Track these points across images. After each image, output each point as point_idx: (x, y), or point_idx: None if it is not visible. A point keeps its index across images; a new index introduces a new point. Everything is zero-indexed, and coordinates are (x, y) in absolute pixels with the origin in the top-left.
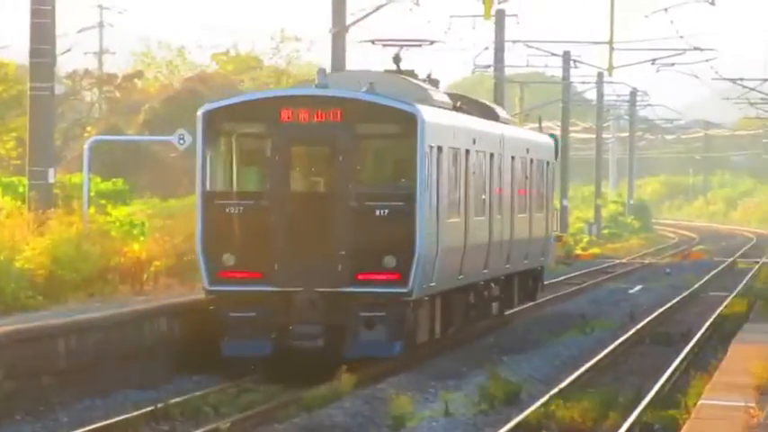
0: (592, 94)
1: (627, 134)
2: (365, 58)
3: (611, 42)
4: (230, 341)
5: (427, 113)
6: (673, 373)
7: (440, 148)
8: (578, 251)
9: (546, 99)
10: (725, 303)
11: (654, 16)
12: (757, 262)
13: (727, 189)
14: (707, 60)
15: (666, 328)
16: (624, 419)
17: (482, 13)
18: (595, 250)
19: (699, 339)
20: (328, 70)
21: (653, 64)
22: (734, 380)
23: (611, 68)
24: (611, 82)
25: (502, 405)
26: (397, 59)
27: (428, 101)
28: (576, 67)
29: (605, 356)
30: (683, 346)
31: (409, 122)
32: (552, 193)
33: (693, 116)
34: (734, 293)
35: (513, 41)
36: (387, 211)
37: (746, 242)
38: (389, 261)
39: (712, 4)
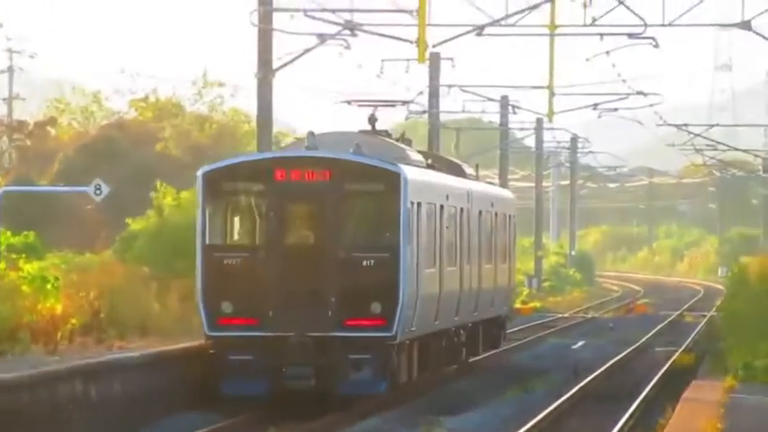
0: (531, 141)
1: (568, 182)
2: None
3: (550, 87)
4: (230, 382)
5: (409, 172)
6: None
7: (419, 204)
8: (518, 305)
9: (483, 146)
10: (672, 359)
11: (595, 60)
12: (705, 315)
13: (672, 239)
14: (651, 105)
15: (611, 385)
16: None
17: (416, 57)
18: (536, 304)
19: (645, 397)
20: (254, 115)
21: (594, 109)
22: None
23: (551, 114)
24: (551, 128)
25: None
26: (372, 119)
27: (406, 160)
28: (514, 113)
29: (547, 416)
30: (628, 404)
31: (393, 181)
32: (515, 244)
33: (637, 163)
34: (681, 349)
35: (449, 86)
36: (373, 261)
37: (693, 294)
38: (375, 307)
39: (656, 46)
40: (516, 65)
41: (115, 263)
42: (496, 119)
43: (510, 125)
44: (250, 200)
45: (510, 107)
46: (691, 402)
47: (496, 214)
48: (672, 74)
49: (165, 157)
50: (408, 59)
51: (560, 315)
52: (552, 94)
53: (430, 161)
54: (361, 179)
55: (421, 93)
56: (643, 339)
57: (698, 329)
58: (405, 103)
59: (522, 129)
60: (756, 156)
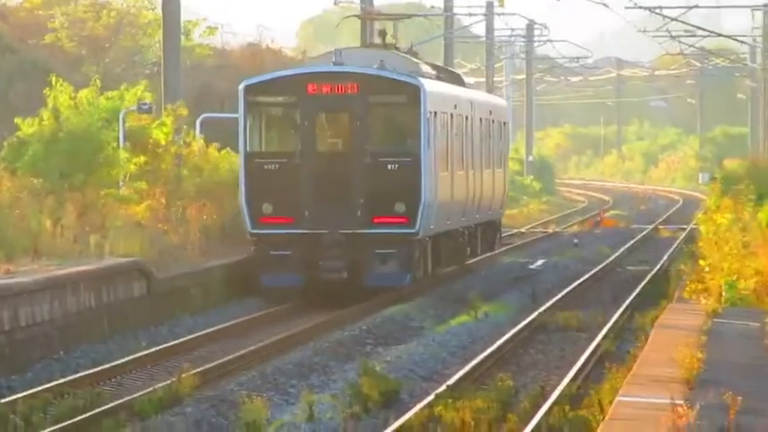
0: (480, 29)
1: (523, 76)
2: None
3: None
4: (269, 275)
5: (428, 85)
6: (584, 366)
7: (435, 113)
8: None
9: (425, 36)
10: (645, 280)
11: None
12: (684, 228)
13: (645, 141)
14: None
15: (575, 310)
16: (526, 423)
17: None
18: None
19: (614, 324)
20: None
21: None
22: (657, 372)
23: None
24: (503, 14)
25: (378, 407)
26: (382, 34)
27: (420, 72)
28: None
29: (502, 346)
30: (595, 332)
31: (414, 93)
32: (508, 151)
33: (603, 53)
34: (656, 269)
35: None
36: (397, 165)
37: (670, 205)
38: (400, 207)
39: None
40: None
41: (1, 174)
42: (440, 3)
43: (456, 10)
44: (285, 111)
45: None
46: (666, 329)
47: (493, 121)
48: None
49: (56, 51)
50: None
51: (517, 230)
52: None
53: (436, 72)
54: (386, 91)
55: None
56: (612, 257)
57: (675, 246)
58: (410, 16)
59: (469, 14)
60: (742, 42)
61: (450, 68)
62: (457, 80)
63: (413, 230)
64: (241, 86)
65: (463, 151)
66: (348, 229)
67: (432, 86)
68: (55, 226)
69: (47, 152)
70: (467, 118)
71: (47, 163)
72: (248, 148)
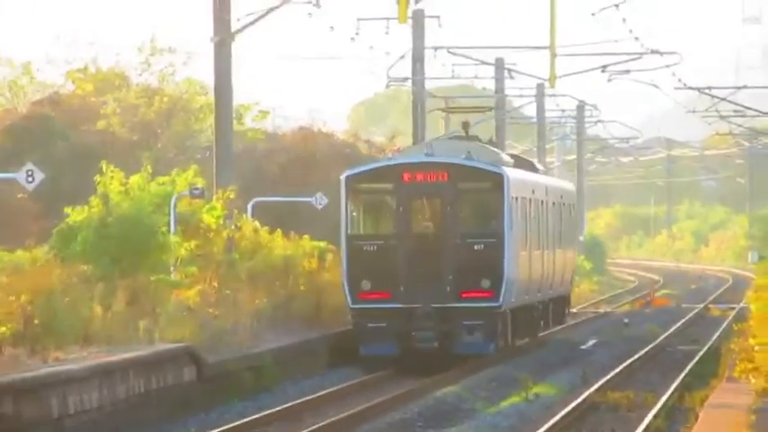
0: (531, 110)
1: (574, 157)
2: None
3: (552, 47)
4: (367, 345)
5: (510, 173)
6: None
7: (516, 198)
8: None
9: (476, 116)
10: (695, 359)
11: (603, 14)
12: (734, 307)
13: (695, 220)
14: (668, 66)
15: (625, 390)
16: None
17: (396, 15)
18: None
19: (664, 404)
20: (211, 86)
21: (603, 72)
22: None
23: (553, 78)
24: (554, 95)
25: None
26: (466, 126)
27: (501, 161)
28: (511, 78)
29: (552, 427)
30: (645, 412)
31: (498, 180)
32: (577, 231)
33: (653, 134)
34: (706, 347)
35: (435, 48)
36: (482, 246)
37: (720, 284)
38: (485, 283)
39: None
40: (513, 22)
41: (51, 261)
42: (491, 85)
43: (507, 92)
44: (383, 197)
45: (506, 71)
46: (716, 408)
47: (564, 204)
48: (692, 29)
49: (108, 137)
50: (388, 18)
51: (568, 310)
52: (554, 56)
53: (513, 161)
54: (473, 179)
55: (403, 57)
56: (662, 337)
57: (725, 325)
58: (491, 109)
59: (520, 96)
60: None
61: (524, 156)
62: (531, 167)
63: (496, 304)
64: (343, 176)
65: (539, 232)
66: (439, 303)
67: (513, 174)
68: (105, 312)
69: (96, 238)
70: (542, 202)
71: (96, 249)
72: (349, 231)
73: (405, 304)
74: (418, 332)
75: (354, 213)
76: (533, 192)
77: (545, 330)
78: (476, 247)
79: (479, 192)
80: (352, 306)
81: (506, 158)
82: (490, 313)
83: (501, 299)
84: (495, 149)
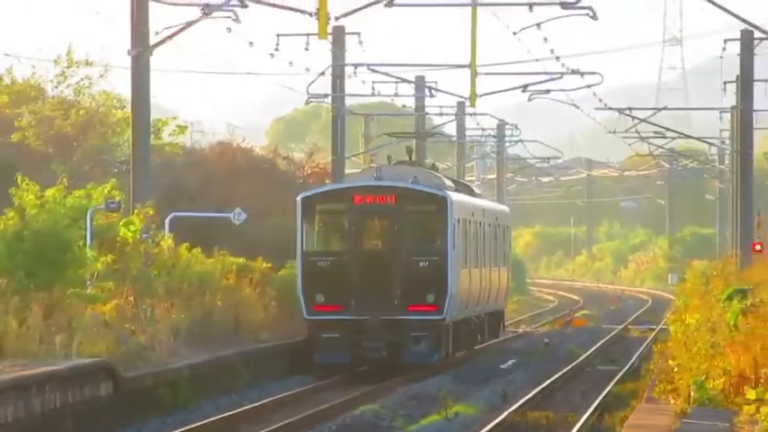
0: (451, 129)
1: (494, 176)
2: None
3: (473, 66)
4: (321, 353)
5: (453, 196)
6: None
7: (458, 220)
8: None
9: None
10: (615, 380)
11: (524, 34)
12: (653, 329)
13: (615, 242)
14: (589, 86)
15: (545, 410)
16: None
17: (316, 31)
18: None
19: (584, 423)
20: (128, 99)
21: (524, 91)
22: None
23: (473, 97)
24: (475, 113)
25: None
26: (409, 151)
27: (443, 185)
28: (431, 96)
29: None
30: None
31: (442, 203)
32: (510, 251)
33: (574, 154)
34: (626, 368)
35: (355, 65)
36: (427, 263)
37: (640, 305)
38: (430, 297)
39: (594, 18)
40: (433, 41)
41: None
42: (411, 103)
43: (427, 110)
44: (336, 217)
45: (426, 89)
46: (636, 429)
47: (499, 226)
48: (613, 50)
49: (23, 149)
50: (308, 34)
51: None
52: (475, 74)
53: (454, 185)
54: (419, 202)
55: (323, 73)
56: (582, 357)
57: (644, 345)
58: (433, 134)
59: (440, 114)
60: (711, 144)
61: (463, 180)
62: (470, 191)
63: (441, 317)
64: (299, 198)
65: (477, 251)
66: (387, 316)
67: (455, 197)
68: (20, 326)
69: (10, 251)
70: (480, 224)
71: (11, 262)
72: (304, 248)
73: (356, 316)
74: (368, 342)
75: (309, 232)
76: (473, 214)
77: (482, 343)
78: (421, 264)
79: (425, 213)
80: (307, 317)
81: (448, 183)
82: (435, 325)
83: (445, 312)
84: (438, 174)
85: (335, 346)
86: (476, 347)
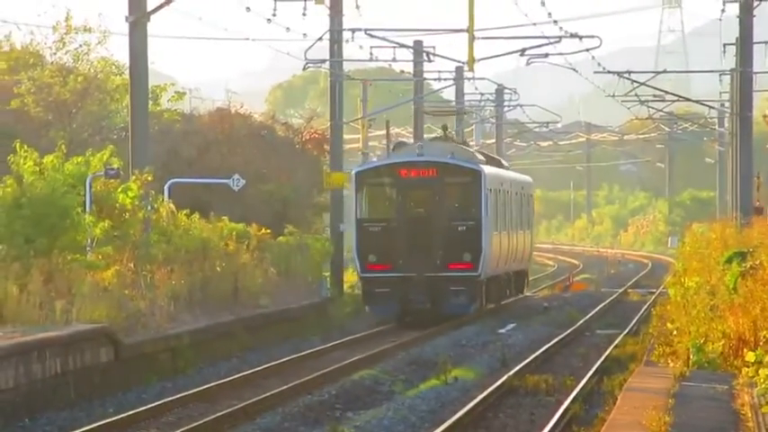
0: (450, 93)
1: (493, 141)
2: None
3: (470, 30)
4: (373, 306)
5: (486, 169)
6: (552, 430)
7: (490, 190)
8: None
9: (394, 99)
10: (614, 343)
11: None
12: (653, 292)
13: (615, 205)
14: (587, 50)
15: (544, 374)
16: None
17: None
18: None
19: (583, 387)
20: (126, 66)
21: (522, 55)
22: None
23: (471, 61)
24: (473, 78)
25: None
26: (444, 128)
27: (476, 159)
28: (429, 61)
29: (471, 411)
30: (564, 396)
31: (477, 175)
32: (533, 217)
33: (573, 118)
34: (625, 331)
35: (353, 30)
36: (464, 227)
37: (640, 269)
38: (467, 257)
39: None
40: (431, 5)
41: None
42: (409, 68)
43: (425, 75)
44: (384, 189)
45: (425, 54)
46: (635, 393)
47: (524, 195)
48: (611, 13)
49: (22, 116)
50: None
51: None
52: (473, 39)
53: (485, 159)
54: (457, 175)
55: (320, 39)
56: (581, 321)
57: (644, 309)
58: (466, 112)
59: (439, 79)
60: (711, 107)
61: (492, 154)
62: (499, 164)
63: (476, 274)
64: (352, 172)
65: (506, 217)
66: (430, 273)
67: (488, 170)
68: (21, 292)
69: (9, 218)
70: (508, 192)
71: (10, 229)
72: (358, 216)
73: (403, 273)
74: (414, 296)
75: (362, 202)
76: (502, 184)
77: (509, 298)
78: (459, 228)
79: (462, 185)
80: (361, 275)
81: (480, 157)
82: (471, 281)
83: (480, 269)
84: (471, 150)
85: (386, 299)
86: (503, 302)
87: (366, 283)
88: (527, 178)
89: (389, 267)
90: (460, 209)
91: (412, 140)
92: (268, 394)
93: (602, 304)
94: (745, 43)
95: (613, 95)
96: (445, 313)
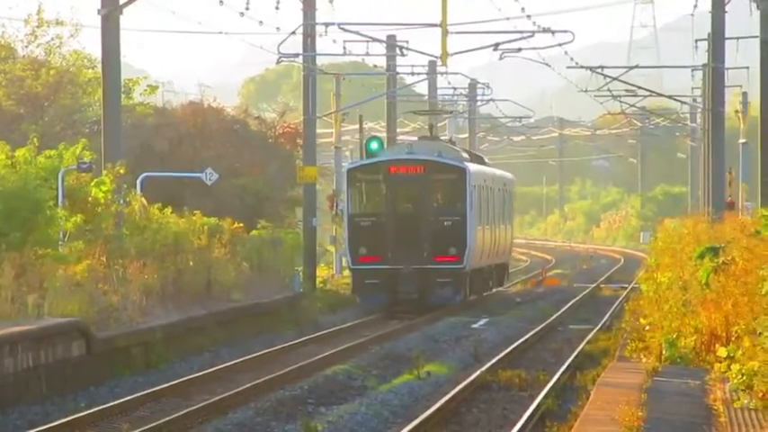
0: (423, 88)
1: (466, 135)
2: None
3: (443, 25)
4: (364, 297)
5: (470, 167)
6: (525, 425)
7: (474, 186)
8: None
9: (367, 94)
10: (587, 339)
11: None
12: (625, 287)
13: (587, 201)
14: (560, 45)
15: (517, 369)
16: None
17: None
18: None
19: (556, 382)
20: (99, 59)
21: (495, 50)
22: (598, 431)
23: (444, 56)
24: (446, 73)
25: None
26: (431, 128)
27: (461, 157)
28: (402, 55)
29: (444, 406)
30: (536, 391)
31: (462, 173)
32: (513, 212)
33: (545, 113)
34: (597, 327)
35: (326, 24)
36: (450, 222)
37: (612, 264)
38: (452, 250)
39: None
40: (405, 1)
41: None
42: (382, 62)
43: (398, 69)
44: (374, 185)
45: (398, 48)
46: (608, 388)
47: (506, 191)
48: (584, 8)
49: None
50: None
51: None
52: (446, 33)
53: (470, 157)
54: (443, 172)
55: (294, 33)
56: (554, 316)
57: (616, 304)
58: (451, 112)
59: (412, 74)
60: (683, 102)
61: (475, 152)
62: (482, 161)
63: (461, 266)
64: (345, 169)
65: (489, 213)
66: (418, 265)
67: (473, 168)
68: None
69: None
70: (491, 189)
71: None
72: (350, 211)
73: (392, 266)
74: (403, 286)
75: (354, 197)
76: (485, 181)
77: (491, 289)
78: (445, 223)
79: (448, 181)
80: (352, 267)
81: (465, 155)
82: (456, 273)
83: (464, 262)
84: (457, 148)
85: (375, 289)
86: (485, 294)
87: (357, 275)
88: (509, 175)
89: (379, 260)
90: (446, 204)
91: (385, 135)
92: (240, 389)
93: (575, 299)
94: (716, 39)
95: (586, 90)
96: (432, 303)
